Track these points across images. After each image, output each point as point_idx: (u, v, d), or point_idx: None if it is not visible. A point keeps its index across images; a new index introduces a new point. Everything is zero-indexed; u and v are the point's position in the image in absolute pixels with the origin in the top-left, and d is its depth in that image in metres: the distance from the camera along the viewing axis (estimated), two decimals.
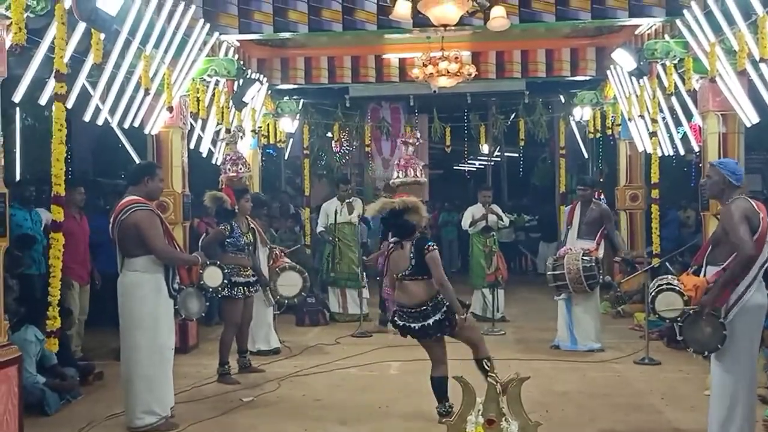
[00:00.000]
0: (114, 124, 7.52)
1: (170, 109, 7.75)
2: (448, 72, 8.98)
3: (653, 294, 4.82)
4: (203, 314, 6.24)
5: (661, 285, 4.81)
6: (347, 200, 10.26)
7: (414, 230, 5.44)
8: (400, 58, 11.03)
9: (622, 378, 7.01)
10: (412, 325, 5.38)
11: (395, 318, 5.55)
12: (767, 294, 4.69)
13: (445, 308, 5.34)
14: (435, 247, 5.43)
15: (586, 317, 8.13)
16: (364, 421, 5.70)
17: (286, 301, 8.07)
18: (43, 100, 6.32)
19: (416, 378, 6.90)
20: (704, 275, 4.78)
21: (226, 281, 6.37)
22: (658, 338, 8.19)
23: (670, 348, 7.80)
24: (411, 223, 5.39)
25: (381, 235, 9.59)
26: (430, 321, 5.33)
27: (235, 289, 6.92)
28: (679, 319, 4.70)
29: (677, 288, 4.71)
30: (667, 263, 8.08)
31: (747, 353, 4.63)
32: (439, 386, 5.42)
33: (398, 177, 6.32)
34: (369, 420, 5.73)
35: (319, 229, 10.49)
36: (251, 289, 7.16)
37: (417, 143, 6.30)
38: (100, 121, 7.25)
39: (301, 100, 12.60)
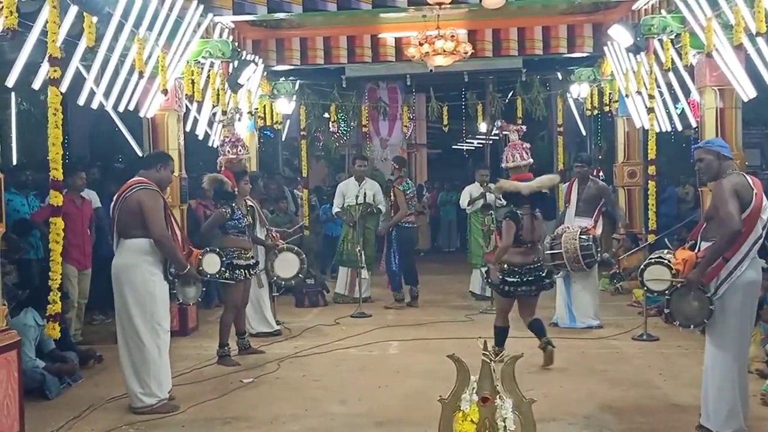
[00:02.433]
0: (109, 108, 7.50)
1: (165, 91, 7.72)
2: (444, 51, 8.92)
3: (642, 267, 4.86)
4: (200, 299, 6.26)
5: (651, 259, 4.85)
6: (363, 181, 10.04)
7: None
8: (396, 38, 10.96)
9: (620, 354, 7.04)
10: (530, 279, 6.35)
11: (510, 279, 6.32)
12: (761, 270, 4.72)
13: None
14: None
15: (585, 295, 8.16)
16: (363, 400, 5.73)
17: (283, 283, 8.08)
18: (36, 85, 6.29)
19: (415, 357, 6.95)
20: (698, 250, 4.79)
21: (223, 268, 6.40)
22: (657, 314, 8.19)
23: (668, 324, 7.80)
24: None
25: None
26: (541, 274, 6.45)
27: (237, 272, 6.93)
28: (666, 291, 4.73)
29: (665, 261, 4.75)
30: (665, 239, 8.09)
31: (738, 330, 4.64)
32: (539, 327, 6.55)
33: (511, 160, 6.71)
34: (369, 399, 5.76)
35: (335, 209, 10.32)
36: (251, 272, 7.17)
37: (521, 130, 6.92)
38: (94, 105, 7.23)
39: (297, 81, 12.53)
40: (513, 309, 6.62)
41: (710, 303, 4.59)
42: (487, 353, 2.83)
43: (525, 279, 6.34)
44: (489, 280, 6.59)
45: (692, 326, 4.76)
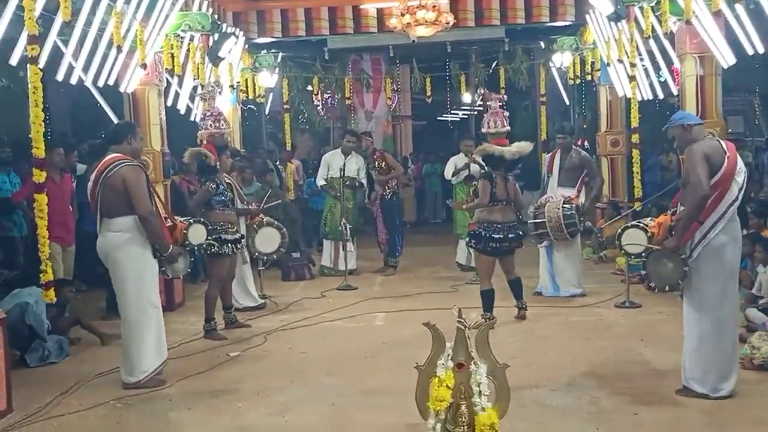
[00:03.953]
0: (88, 83, 7.43)
1: (144, 66, 7.65)
2: (426, 21, 8.89)
3: (620, 231, 4.95)
4: (189, 270, 6.27)
5: (629, 224, 4.95)
6: (349, 155, 10.01)
7: None
8: (377, 8, 10.90)
9: (603, 321, 7.13)
10: (510, 235, 6.85)
11: (495, 236, 6.79)
12: (740, 233, 4.81)
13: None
14: None
15: (568, 264, 8.22)
16: (350, 371, 5.79)
17: (265, 258, 8.09)
18: (14, 61, 6.23)
19: (401, 328, 7.00)
20: (674, 215, 4.90)
21: (210, 237, 6.37)
22: (639, 282, 8.28)
23: (650, 291, 7.89)
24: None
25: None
26: (519, 233, 6.99)
27: (225, 246, 6.93)
28: (642, 254, 4.83)
29: (641, 225, 4.84)
30: (648, 205, 8.17)
31: (713, 292, 4.73)
32: (516, 286, 7.11)
33: (492, 126, 7.10)
34: (355, 370, 5.81)
35: (320, 182, 10.28)
36: (238, 246, 7.18)
37: (503, 98, 7.37)
38: (74, 80, 7.17)
39: (279, 54, 12.44)
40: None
41: (684, 264, 4.69)
42: (462, 320, 2.87)
43: (507, 236, 6.86)
44: (472, 243, 7.01)
45: (667, 287, 4.89)
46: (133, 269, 5.42)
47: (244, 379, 5.68)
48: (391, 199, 10.03)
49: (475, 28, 11.07)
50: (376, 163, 9.95)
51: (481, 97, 7.44)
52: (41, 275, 5.84)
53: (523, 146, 7.04)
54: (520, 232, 7.07)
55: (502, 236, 6.84)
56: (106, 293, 7.59)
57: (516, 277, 7.15)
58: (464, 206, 8.38)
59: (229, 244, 6.98)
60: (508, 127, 7.09)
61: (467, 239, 7.34)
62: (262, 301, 8.25)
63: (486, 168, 7.07)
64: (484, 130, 7.19)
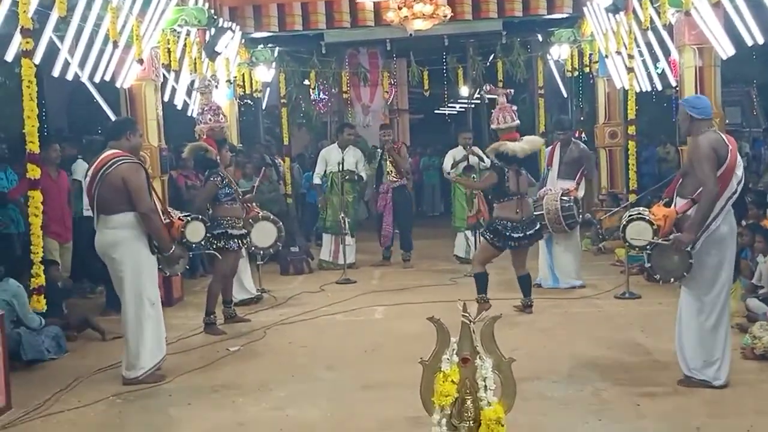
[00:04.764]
0: (84, 79, 7.40)
1: (141, 61, 7.61)
2: (424, 14, 8.84)
3: (625, 224, 4.95)
4: (187, 267, 6.23)
5: (632, 215, 4.95)
6: (346, 148, 9.97)
7: None
8: (374, 2, 10.80)
9: (602, 313, 7.13)
10: (528, 232, 6.90)
11: (514, 235, 6.83)
12: (735, 223, 4.88)
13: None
14: None
15: (567, 255, 8.22)
16: (350, 365, 5.78)
17: (261, 252, 8.07)
18: (9, 57, 6.19)
19: (401, 322, 7.00)
20: (674, 206, 4.92)
21: (209, 234, 6.33)
22: (639, 273, 8.30)
23: (650, 282, 7.90)
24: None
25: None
26: (537, 227, 7.08)
27: (232, 241, 6.91)
28: (648, 247, 4.83)
29: (647, 218, 4.85)
30: (649, 197, 8.16)
31: (713, 282, 4.78)
32: (526, 283, 7.13)
33: (502, 122, 7.04)
34: (355, 364, 5.80)
35: (315, 180, 10.29)
36: (244, 241, 7.16)
37: (509, 93, 7.29)
38: (69, 76, 7.13)
39: (276, 48, 12.40)
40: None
41: (690, 257, 4.72)
42: (467, 315, 2.86)
43: (526, 233, 6.92)
44: (489, 236, 7.02)
45: (672, 279, 4.88)
46: (131, 266, 5.39)
47: (245, 373, 5.67)
48: (404, 189, 10.01)
49: (472, 21, 11.02)
50: (392, 154, 9.90)
51: (486, 92, 7.41)
52: (32, 279, 5.80)
53: (534, 141, 7.15)
54: (538, 226, 7.12)
55: (521, 235, 6.89)
56: (105, 289, 7.58)
57: (526, 273, 7.16)
58: (462, 180, 8.89)
59: (236, 239, 6.96)
60: (518, 121, 7.06)
61: (483, 231, 7.35)
62: (257, 293, 8.22)
63: (485, 159, 7.10)
64: (494, 126, 7.16)
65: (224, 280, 7.13)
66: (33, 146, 5.72)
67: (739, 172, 4.77)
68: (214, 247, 6.72)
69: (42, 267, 5.92)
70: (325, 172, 10.04)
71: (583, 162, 8.28)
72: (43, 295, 5.89)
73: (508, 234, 6.87)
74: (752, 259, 7.19)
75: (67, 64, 7.02)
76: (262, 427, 4.57)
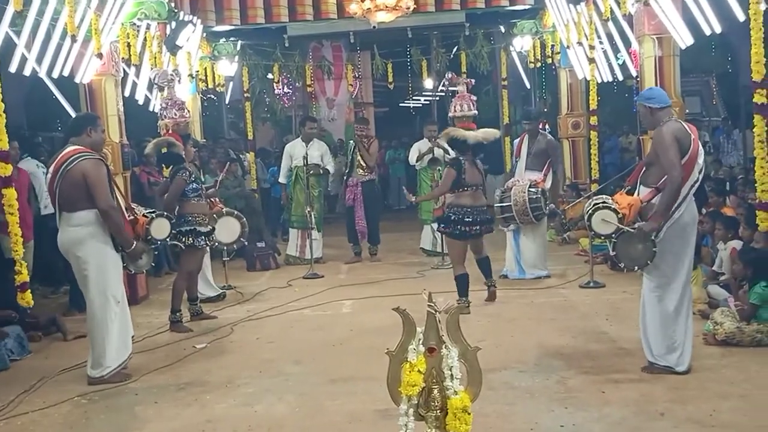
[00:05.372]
0: (42, 74, 7.25)
1: (100, 56, 7.47)
2: (386, 6, 8.85)
3: (590, 212, 5.00)
4: (153, 264, 6.16)
5: (597, 203, 5.01)
6: (310, 142, 9.91)
7: None
8: None
9: (568, 302, 7.20)
10: (479, 219, 6.83)
11: (467, 220, 6.78)
12: (696, 212, 4.98)
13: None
14: None
15: (533, 246, 8.30)
16: (318, 359, 5.77)
17: (225, 248, 8.00)
18: None
19: (368, 315, 7.01)
20: (638, 194, 5.00)
21: (174, 231, 6.25)
22: (603, 262, 8.40)
23: (614, 271, 8.01)
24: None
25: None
26: (489, 217, 7.05)
27: (200, 239, 6.85)
28: (613, 235, 4.90)
29: (612, 206, 4.92)
30: (612, 186, 8.25)
31: (675, 270, 4.87)
32: (487, 266, 7.18)
33: (459, 110, 7.04)
34: (323, 358, 5.80)
35: (282, 180, 10.31)
36: (210, 238, 7.10)
37: (470, 83, 7.34)
38: (27, 72, 6.98)
39: (239, 42, 12.27)
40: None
41: (654, 245, 4.79)
42: (432, 304, 2.86)
43: (477, 219, 6.84)
44: (442, 227, 7.05)
45: (636, 268, 4.95)
46: (95, 264, 5.31)
47: (212, 370, 5.62)
48: (372, 183, 10.01)
49: (435, 13, 11.02)
50: (361, 149, 9.87)
51: (448, 82, 7.39)
52: (16, 276, 5.69)
53: (489, 132, 7.06)
54: (490, 217, 7.10)
55: (472, 220, 6.82)
56: (69, 288, 7.46)
57: (485, 255, 7.16)
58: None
59: (204, 237, 6.90)
60: (475, 111, 7.07)
61: (436, 224, 7.35)
62: (221, 291, 8.16)
63: (450, 151, 7.10)
64: (450, 114, 7.17)
65: (189, 277, 7.07)
66: (1, 143, 5.60)
67: (701, 160, 4.85)
68: (184, 243, 6.66)
69: (25, 264, 5.79)
70: (290, 167, 10.00)
71: (550, 153, 8.36)
72: (29, 291, 5.77)
73: (461, 219, 6.82)
74: (713, 246, 7.32)
75: (24, 60, 6.87)
76: (230, 423, 4.54)
